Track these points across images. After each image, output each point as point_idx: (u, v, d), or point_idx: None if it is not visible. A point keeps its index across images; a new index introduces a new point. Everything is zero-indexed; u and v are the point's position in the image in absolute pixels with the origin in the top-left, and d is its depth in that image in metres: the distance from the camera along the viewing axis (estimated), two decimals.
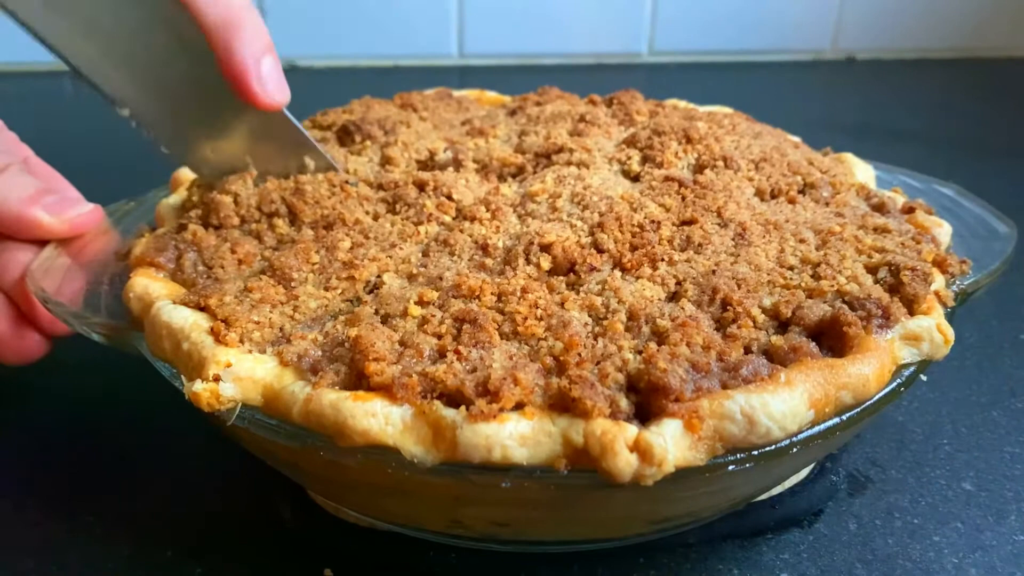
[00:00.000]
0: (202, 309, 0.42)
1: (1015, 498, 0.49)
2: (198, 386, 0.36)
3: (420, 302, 0.41)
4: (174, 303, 0.42)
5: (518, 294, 0.41)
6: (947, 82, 1.44)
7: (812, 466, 0.49)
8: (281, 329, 0.41)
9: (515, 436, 0.33)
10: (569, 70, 1.45)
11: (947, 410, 0.57)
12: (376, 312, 0.41)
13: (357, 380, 0.36)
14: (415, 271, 0.44)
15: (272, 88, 0.49)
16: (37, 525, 0.47)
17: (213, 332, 0.39)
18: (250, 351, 0.39)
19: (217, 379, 0.37)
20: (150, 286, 0.45)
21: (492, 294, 0.41)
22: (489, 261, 0.44)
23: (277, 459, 0.41)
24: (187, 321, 0.41)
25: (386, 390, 0.35)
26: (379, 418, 0.34)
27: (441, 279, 0.42)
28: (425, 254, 0.46)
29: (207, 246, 0.48)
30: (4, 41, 1.41)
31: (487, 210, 0.49)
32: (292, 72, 1.44)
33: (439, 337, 0.38)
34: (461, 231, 0.47)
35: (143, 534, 0.46)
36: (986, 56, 1.53)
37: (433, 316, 0.39)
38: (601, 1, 1.44)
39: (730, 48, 1.50)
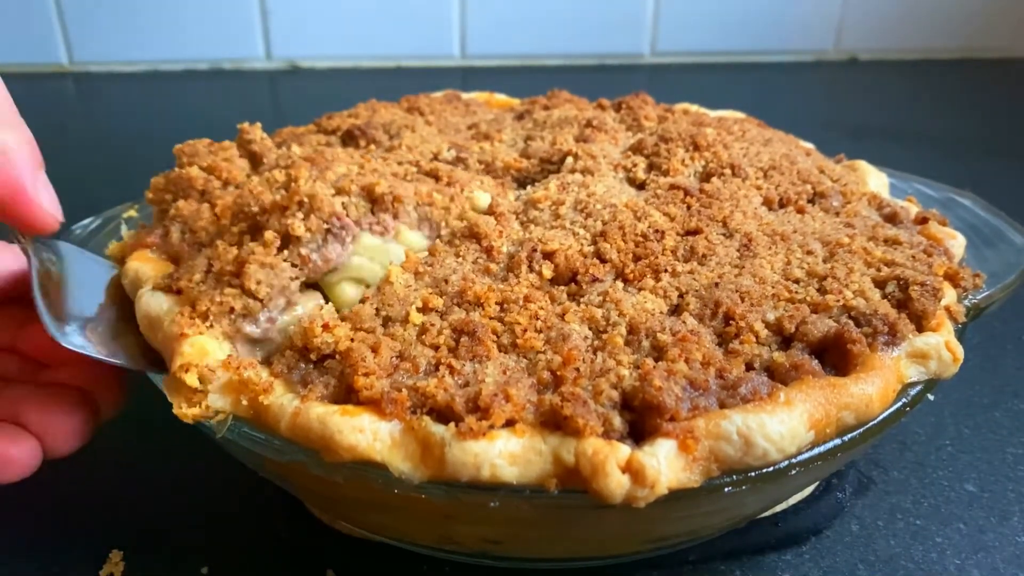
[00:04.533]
0: (179, 291, 0.42)
1: (1017, 499, 0.49)
2: (184, 410, 0.37)
3: (423, 308, 0.40)
4: (153, 289, 0.42)
5: (520, 302, 0.40)
6: (949, 83, 1.43)
7: (817, 483, 0.48)
8: (245, 306, 0.40)
9: (505, 454, 0.32)
10: (571, 71, 1.45)
11: (949, 411, 0.57)
12: (377, 312, 0.40)
13: (346, 394, 0.35)
14: (421, 268, 0.43)
15: (49, 206, 0.41)
16: (38, 529, 0.47)
17: (177, 322, 0.39)
18: (211, 326, 0.39)
19: (187, 369, 0.37)
20: (140, 269, 0.45)
21: (496, 303, 0.40)
22: (493, 266, 0.44)
23: (269, 472, 0.41)
24: (161, 309, 0.41)
25: (375, 405, 0.34)
26: (367, 433, 0.33)
27: (447, 282, 0.42)
28: (432, 253, 0.45)
29: (189, 213, 0.48)
30: (5, 41, 1.41)
31: (491, 214, 0.48)
32: (294, 74, 1.45)
33: (436, 348, 0.37)
34: (465, 236, 0.46)
35: (143, 540, 0.46)
36: (989, 56, 1.52)
37: (432, 325, 0.38)
38: (603, 2, 1.43)
39: (732, 49, 1.50)
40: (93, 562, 0.44)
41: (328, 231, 0.42)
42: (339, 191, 0.44)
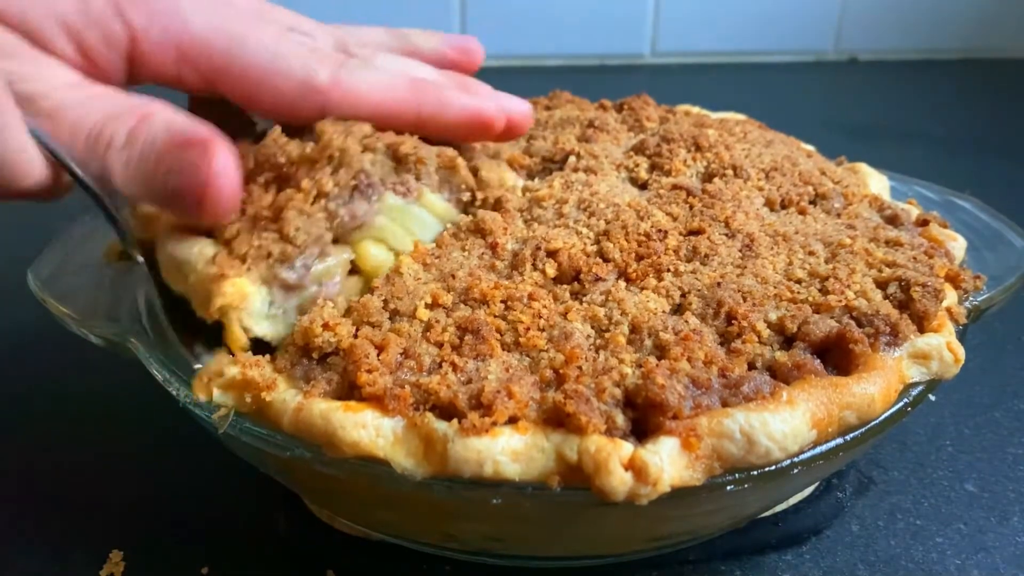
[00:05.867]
0: (209, 234, 0.41)
1: (1018, 499, 0.49)
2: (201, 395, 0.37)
3: (432, 304, 0.40)
4: (179, 232, 0.42)
5: (525, 300, 0.40)
6: (949, 83, 1.44)
7: (818, 482, 0.48)
8: (283, 252, 0.40)
9: (507, 451, 0.32)
10: (572, 71, 1.45)
11: (949, 411, 0.57)
12: (385, 305, 0.40)
13: (349, 390, 0.35)
14: (429, 260, 0.43)
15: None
16: (40, 527, 0.47)
17: (215, 261, 0.39)
18: (249, 269, 0.39)
19: (223, 313, 0.37)
20: (160, 217, 0.44)
21: (501, 300, 0.40)
22: (499, 263, 0.44)
23: (271, 468, 0.41)
24: (191, 251, 0.40)
25: (378, 401, 0.34)
26: (369, 430, 0.33)
27: (454, 276, 0.42)
28: (439, 245, 0.45)
29: None
30: None
31: (497, 210, 0.48)
32: None
33: (440, 346, 0.37)
34: (471, 230, 0.46)
35: (143, 540, 0.46)
36: (989, 57, 1.52)
37: (438, 322, 0.38)
38: (604, 2, 1.43)
39: (732, 49, 1.50)
40: (93, 562, 0.44)
41: (355, 187, 0.42)
42: (366, 148, 0.44)
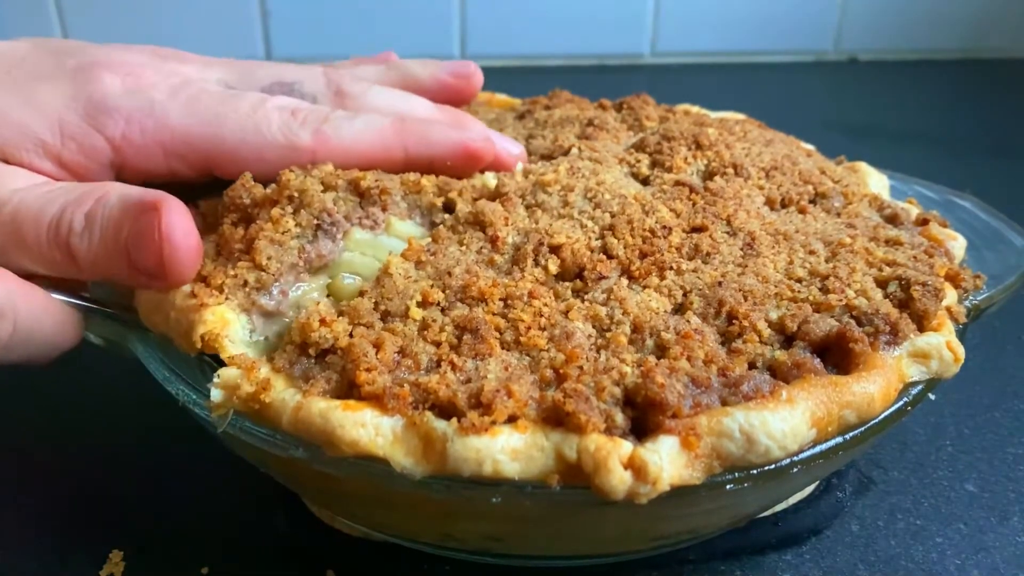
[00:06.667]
0: None
1: (1018, 499, 0.49)
2: (215, 395, 0.37)
3: (423, 303, 0.40)
4: None
5: (525, 298, 0.40)
6: (950, 83, 1.44)
7: (817, 482, 0.48)
8: (258, 279, 0.41)
9: (507, 450, 0.32)
10: (571, 71, 1.45)
11: (949, 411, 0.57)
12: (376, 307, 0.40)
13: (348, 389, 0.35)
14: (424, 258, 0.43)
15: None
16: (39, 529, 0.47)
17: (194, 294, 0.40)
18: (227, 298, 0.40)
19: (207, 341, 0.38)
20: None
21: (500, 299, 0.40)
22: (498, 258, 0.43)
23: (270, 468, 0.41)
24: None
25: (377, 400, 0.34)
26: (369, 428, 0.33)
27: (450, 274, 0.41)
28: (435, 240, 0.45)
29: None
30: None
31: (497, 197, 0.48)
32: None
33: (438, 345, 0.37)
34: (470, 222, 0.45)
35: (143, 540, 0.46)
36: (989, 57, 1.52)
37: (434, 321, 0.38)
38: (603, 2, 1.43)
39: (732, 49, 1.50)
40: (93, 562, 0.44)
41: (319, 226, 0.43)
42: (327, 187, 0.45)
